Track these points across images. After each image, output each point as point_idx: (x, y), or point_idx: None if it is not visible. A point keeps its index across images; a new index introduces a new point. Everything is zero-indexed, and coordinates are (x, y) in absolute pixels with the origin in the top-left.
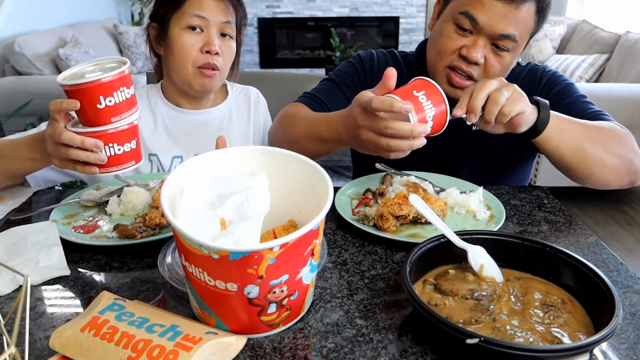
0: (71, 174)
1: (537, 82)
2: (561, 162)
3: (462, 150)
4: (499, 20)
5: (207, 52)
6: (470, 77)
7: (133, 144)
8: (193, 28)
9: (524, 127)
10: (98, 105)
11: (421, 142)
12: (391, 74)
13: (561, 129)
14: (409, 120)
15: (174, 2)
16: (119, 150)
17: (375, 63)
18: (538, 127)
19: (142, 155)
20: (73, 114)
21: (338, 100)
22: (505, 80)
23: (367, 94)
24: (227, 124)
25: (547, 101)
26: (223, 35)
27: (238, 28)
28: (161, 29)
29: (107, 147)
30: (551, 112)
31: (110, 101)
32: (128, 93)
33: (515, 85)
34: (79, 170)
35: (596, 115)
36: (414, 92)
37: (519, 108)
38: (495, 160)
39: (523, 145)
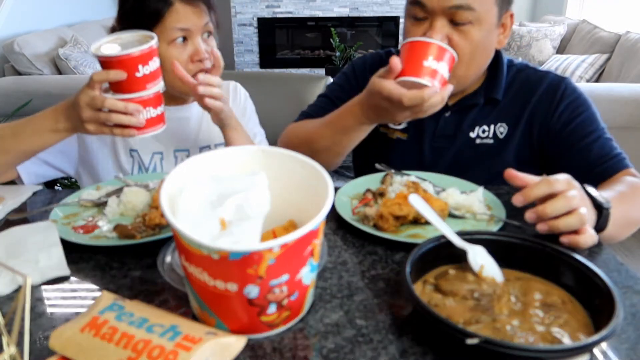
0: (61, 169)
1: (556, 103)
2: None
3: (466, 163)
4: None
5: (199, 60)
6: None
7: (162, 108)
8: (178, 41)
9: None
10: (137, 74)
11: (451, 89)
12: (397, 61)
13: (614, 224)
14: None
15: (151, 18)
16: (154, 113)
17: (368, 66)
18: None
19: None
20: None
21: None
22: (579, 189)
23: (385, 86)
24: (206, 118)
25: (609, 205)
26: (205, 35)
27: (213, 22)
28: None
29: (144, 111)
30: (610, 204)
31: (147, 70)
32: (157, 62)
33: (587, 199)
34: (117, 134)
35: (619, 162)
36: (424, 63)
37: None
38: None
39: (532, 166)
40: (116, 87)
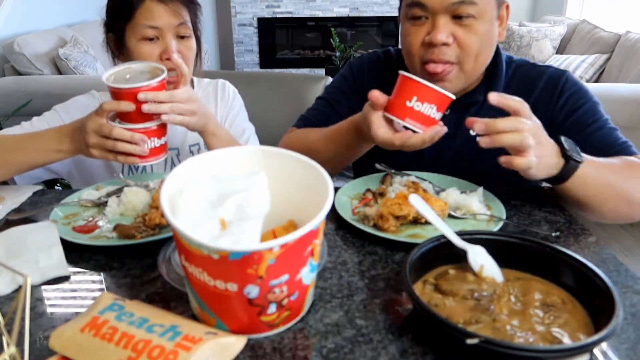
0: (54, 170)
1: (557, 96)
2: (580, 204)
3: (467, 161)
4: None
5: (167, 58)
6: (449, 63)
7: (166, 138)
8: (149, 38)
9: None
10: (144, 106)
11: (437, 130)
12: (377, 95)
13: (586, 176)
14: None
15: (124, 13)
16: (158, 143)
17: (365, 66)
18: (559, 178)
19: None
20: None
21: (331, 120)
22: (540, 129)
23: (369, 119)
24: None
25: (580, 159)
26: (181, 36)
27: (194, 23)
28: (118, 38)
29: (149, 141)
30: (583, 159)
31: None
32: None
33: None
34: (120, 160)
35: (625, 149)
36: (407, 104)
37: (545, 172)
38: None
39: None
40: (124, 116)
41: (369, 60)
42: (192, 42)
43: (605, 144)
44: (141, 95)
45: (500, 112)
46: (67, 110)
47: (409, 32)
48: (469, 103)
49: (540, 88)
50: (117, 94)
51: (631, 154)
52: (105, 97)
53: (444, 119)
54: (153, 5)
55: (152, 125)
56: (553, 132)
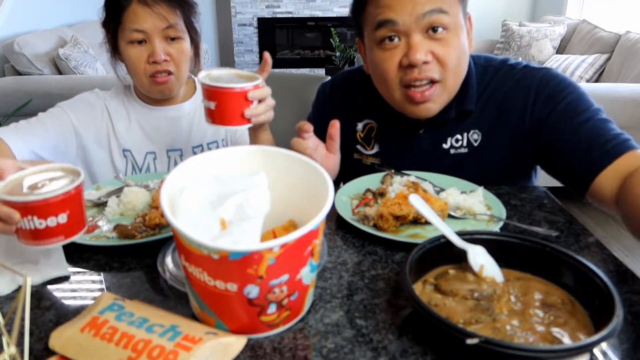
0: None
1: (534, 94)
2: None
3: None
4: (410, 1)
5: (154, 62)
6: (432, 81)
7: (62, 218)
8: (137, 41)
9: None
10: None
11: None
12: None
13: None
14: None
15: (115, 16)
16: (40, 224)
17: (329, 93)
18: None
19: (83, 224)
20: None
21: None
22: None
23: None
24: (197, 117)
25: None
26: (171, 38)
27: (188, 24)
28: (113, 39)
29: (25, 220)
30: None
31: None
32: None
33: None
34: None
35: (620, 143)
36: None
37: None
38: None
39: (520, 164)
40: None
41: (332, 85)
42: (184, 43)
43: (594, 135)
44: (251, 94)
45: (474, 121)
46: (72, 107)
47: (381, 59)
48: (442, 120)
49: (517, 89)
50: (224, 94)
51: (628, 148)
52: (109, 96)
53: (419, 137)
54: (139, 9)
55: (26, 200)
56: (539, 129)
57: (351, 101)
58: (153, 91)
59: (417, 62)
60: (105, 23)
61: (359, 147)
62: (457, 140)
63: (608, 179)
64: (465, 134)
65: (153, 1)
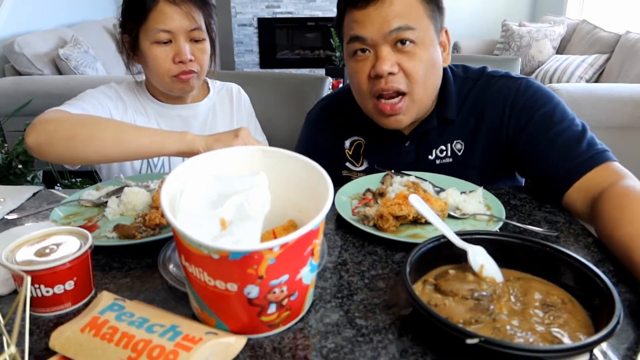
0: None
1: (510, 104)
2: None
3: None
4: (378, 20)
5: (180, 61)
6: (398, 93)
7: (70, 285)
8: (162, 42)
9: None
10: None
11: None
12: None
13: None
14: None
15: (138, 16)
16: (47, 292)
17: (320, 116)
18: None
19: (90, 289)
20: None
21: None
22: None
23: None
24: (211, 118)
25: None
26: (195, 40)
27: (208, 24)
28: (133, 39)
29: (31, 288)
30: None
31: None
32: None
33: None
34: None
35: (592, 157)
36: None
37: None
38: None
39: (502, 172)
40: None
41: (318, 110)
42: (206, 44)
43: (566, 148)
44: None
45: (455, 130)
46: (109, 94)
47: (355, 70)
48: (424, 131)
49: (495, 99)
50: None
51: (599, 162)
52: (123, 91)
53: (405, 150)
54: (167, 8)
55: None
56: (516, 139)
57: (338, 121)
58: (174, 89)
59: (383, 72)
60: (125, 23)
61: (348, 164)
62: (441, 151)
63: (578, 193)
64: (449, 145)
65: (181, 0)
